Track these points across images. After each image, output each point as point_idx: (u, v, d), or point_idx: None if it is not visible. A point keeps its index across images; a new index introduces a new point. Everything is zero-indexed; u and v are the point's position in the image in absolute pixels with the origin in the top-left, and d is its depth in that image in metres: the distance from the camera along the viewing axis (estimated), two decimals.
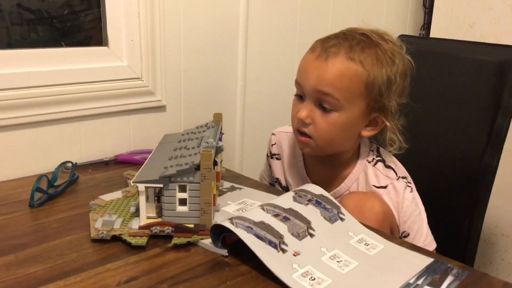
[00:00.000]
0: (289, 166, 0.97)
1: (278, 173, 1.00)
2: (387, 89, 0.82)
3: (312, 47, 0.85)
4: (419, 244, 0.84)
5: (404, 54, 0.85)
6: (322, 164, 0.92)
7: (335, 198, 0.87)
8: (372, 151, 0.90)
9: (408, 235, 0.86)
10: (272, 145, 1.01)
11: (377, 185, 0.86)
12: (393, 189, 0.85)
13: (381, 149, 0.91)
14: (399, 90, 0.84)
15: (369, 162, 0.89)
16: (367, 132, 0.86)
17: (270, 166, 1.02)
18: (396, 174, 0.86)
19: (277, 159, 1.00)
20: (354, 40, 0.82)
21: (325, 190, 0.81)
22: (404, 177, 0.87)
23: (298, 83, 0.85)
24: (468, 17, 1.50)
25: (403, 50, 0.85)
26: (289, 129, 0.99)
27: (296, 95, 0.87)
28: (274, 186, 1.01)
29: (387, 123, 0.84)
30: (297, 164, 0.96)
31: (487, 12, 1.46)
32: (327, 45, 0.82)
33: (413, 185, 0.88)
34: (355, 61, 0.80)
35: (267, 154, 1.04)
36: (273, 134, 1.02)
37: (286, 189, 0.97)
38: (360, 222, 0.74)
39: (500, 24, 1.44)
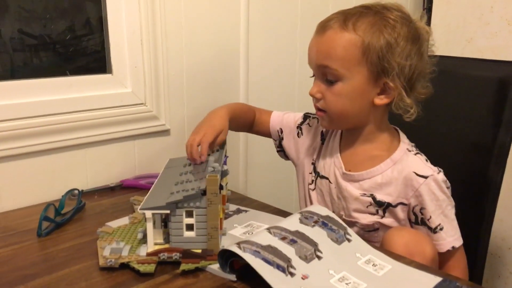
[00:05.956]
0: (326, 147, 0.97)
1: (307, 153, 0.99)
2: (388, 53, 0.81)
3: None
4: (450, 239, 0.83)
5: (413, 20, 0.85)
6: (353, 141, 0.91)
7: (366, 179, 0.87)
8: (412, 145, 0.90)
9: (442, 228, 0.84)
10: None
11: (418, 173, 0.84)
12: (434, 181, 0.83)
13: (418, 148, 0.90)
14: (406, 53, 0.83)
15: (410, 151, 0.88)
16: (380, 100, 0.85)
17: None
18: (437, 168, 0.85)
19: (322, 142, 0.98)
20: (351, 12, 0.84)
21: (355, 169, 0.84)
22: (442, 172, 0.86)
23: (309, 65, 0.89)
24: (465, 33, 1.52)
25: (412, 18, 0.85)
26: None
27: (312, 76, 0.90)
28: (281, 139, 1.03)
29: (390, 84, 0.82)
30: (333, 144, 0.95)
31: (484, 28, 1.48)
32: (324, 21, 0.86)
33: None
34: (348, 30, 0.82)
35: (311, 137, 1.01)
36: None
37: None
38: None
39: (498, 39, 1.45)
